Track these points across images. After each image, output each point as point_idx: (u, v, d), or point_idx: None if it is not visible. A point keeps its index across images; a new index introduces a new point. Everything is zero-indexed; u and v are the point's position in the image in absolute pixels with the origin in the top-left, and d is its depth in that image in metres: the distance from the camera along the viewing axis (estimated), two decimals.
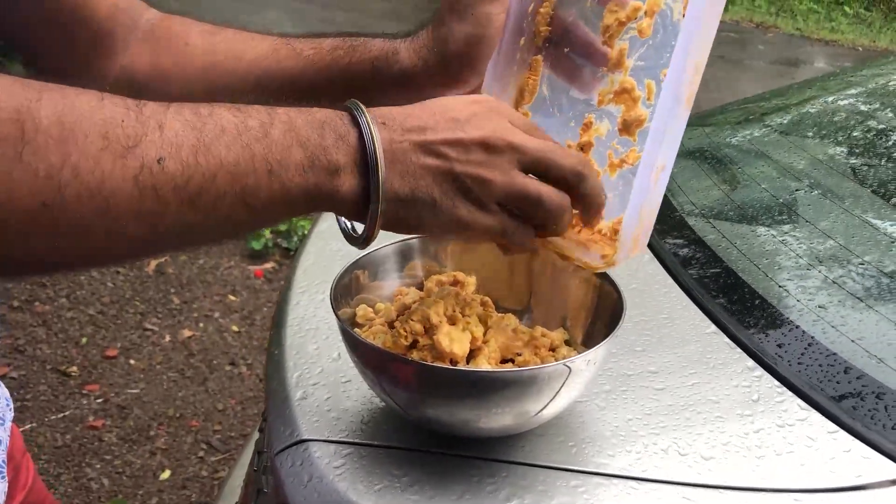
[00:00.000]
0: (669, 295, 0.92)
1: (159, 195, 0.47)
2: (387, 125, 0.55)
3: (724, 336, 0.83)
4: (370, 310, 0.74)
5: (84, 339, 2.51)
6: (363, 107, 0.55)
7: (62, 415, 2.24)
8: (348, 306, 0.73)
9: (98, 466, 2.10)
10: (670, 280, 0.94)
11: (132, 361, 2.46)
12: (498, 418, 0.63)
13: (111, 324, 2.61)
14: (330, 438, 0.69)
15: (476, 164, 0.56)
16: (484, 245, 0.77)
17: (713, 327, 0.85)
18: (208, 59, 0.74)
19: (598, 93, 0.67)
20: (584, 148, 0.68)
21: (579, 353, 0.71)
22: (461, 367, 0.64)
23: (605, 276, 0.71)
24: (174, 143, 0.48)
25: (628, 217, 0.60)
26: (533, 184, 0.57)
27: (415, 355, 0.64)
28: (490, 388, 0.61)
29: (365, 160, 0.53)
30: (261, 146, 0.50)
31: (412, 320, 0.65)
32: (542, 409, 0.64)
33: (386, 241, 0.77)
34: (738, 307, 0.87)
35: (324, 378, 0.77)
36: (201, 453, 2.18)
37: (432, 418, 0.66)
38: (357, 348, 0.66)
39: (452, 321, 0.66)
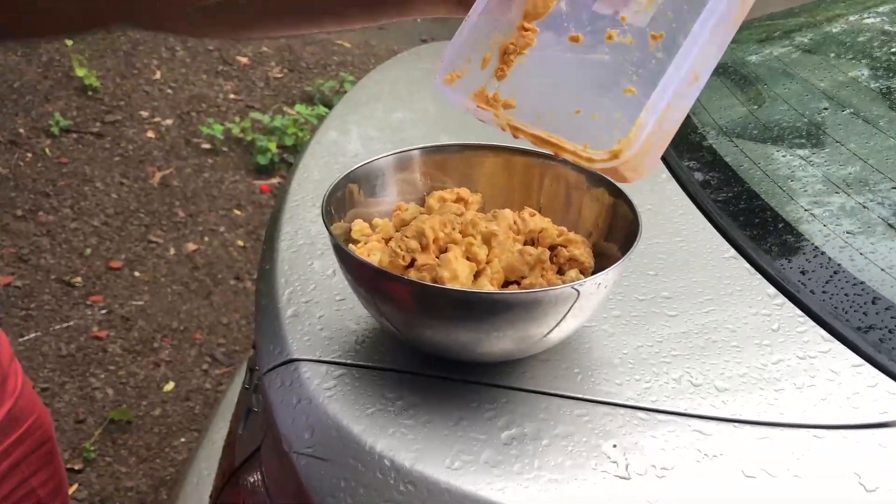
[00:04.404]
0: (686, 217, 0.86)
1: None
2: None
3: (744, 261, 0.78)
4: (366, 225, 0.69)
5: (88, 250, 2.49)
6: None
7: (66, 325, 2.23)
8: (343, 221, 0.69)
9: (102, 376, 2.10)
10: (688, 201, 0.89)
11: (136, 273, 2.44)
12: (499, 342, 0.59)
13: (115, 235, 2.58)
14: (321, 359, 0.65)
15: None
16: (491, 159, 0.72)
17: (732, 251, 0.80)
18: None
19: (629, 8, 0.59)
20: None
21: (589, 275, 0.66)
22: (461, 287, 0.59)
23: (620, 195, 0.66)
24: None
25: (653, 104, 0.51)
26: None
27: (412, 274, 0.60)
28: (491, 311, 0.56)
29: None
30: None
31: (407, 237, 0.60)
32: (546, 335, 0.59)
33: (384, 151, 0.72)
34: (760, 231, 0.82)
35: (317, 295, 0.73)
36: (205, 366, 2.18)
37: (429, 341, 0.62)
38: (350, 265, 0.61)
39: (452, 241, 0.61)
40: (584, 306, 0.59)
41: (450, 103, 0.60)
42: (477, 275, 0.62)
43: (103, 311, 2.29)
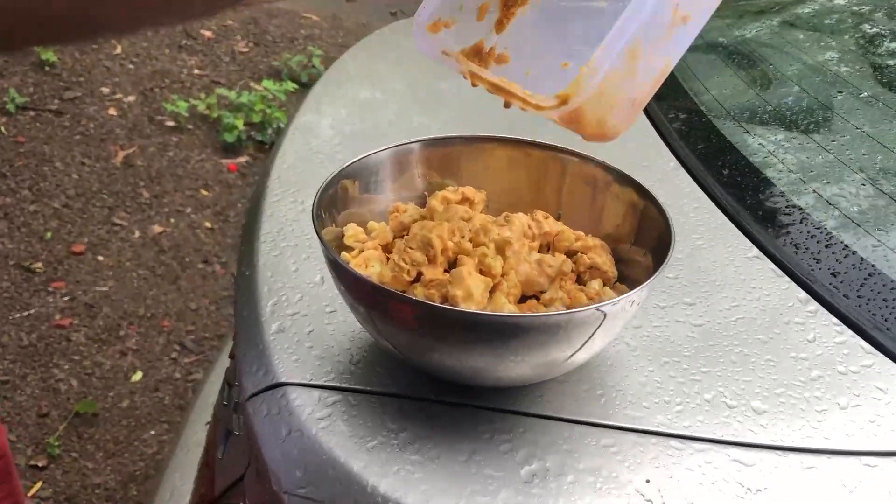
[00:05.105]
0: (701, 211, 0.80)
1: None
2: None
3: (769, 261, 0.72)
4: (360, 230, 0.61)
5: (49, 234, 2.39)
6: None
7: (27, 313, 2.14)
8: (334, 224, 0.61)
9: (66, 367, 2.02)
10: (702, 193, 0.82)
11: (100, 258, 2.35)
12: (516, 367, 0.52)
13: (77, 218, 2.48)
14: (313, 382, 0.58)
15: None
16: (500, 153, 0.65)
17: (755, 250, 0.73)
18: None
19: None
20: None
21: (614, 287, 0.59)
22: (477, 309, 0.52)
23: (649, 197, 0.59)
24: None
25: (608, 44, 0.45)
26: None
27: (419, 291, 0.52)
28: (512, 335, 0.49)
29: None
30: None
31: (411, 248, 0.53)
32: (569, 357, 0.52)
33: (381, 144, 0.64)
34: (782, 228, 0.76)
35: (305, 307, 0.65)
36: (174, 354, 2.11)
37: (437, 365, 0.55)
38: (347, 282, 0.53)
39: (462, 251, 0.54)
40: (613, 326, 0.52)
41: (420, 51, 0.54)
42: (491, 290, 0.54)
43: (66, 298, 2.19)
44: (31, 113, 2.88)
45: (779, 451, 0.55)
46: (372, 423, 0.55)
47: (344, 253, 0.59)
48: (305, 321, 0.63)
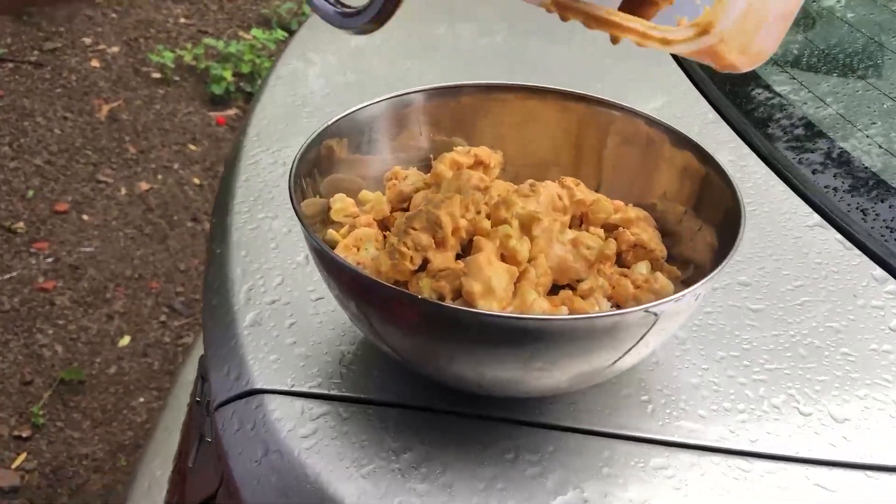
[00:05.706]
0: (751, 172, 0.68)
1: None
2: None
3: (834, 231, 0.61)
4: (351, 202, 0.50)
5: (30, 192, 2.29)
6: None
7: (8, 276, 2.06)
8: (317, 193, 0.50)
9: (50, 332, 1.94)
10: (747, 149, 0.71)
11: (85, 217, 2.26)
12: (546, 378, 0.41)
13: (60, 175, 2.39)
14: (295, 389, 0.47)
15: None
16: (521, 104, 0.53)
17: (816, 217, 0.63)
18: None
19: None
20: None
21: (661, 267, 0.49)
22: (500, 311, 0.41)
23: (712, 163, 0.48)
24: None
25: None
26: None
27: (425, 285, 0.41)
28: (542, 341, 0.38)
29: None
30: None
31: (414, 229, 0.42)
32: (613, 364, 0.42)
33: (376, 94, 0.52)
34: (848, 192, 0.65)
35: (285, 293, 0.54)
36: (163, 317, 2.03)
37: (448, 375, 0.44)
38: (336, 274, 0.42)
39: (477, 231, 0.43)
40: (670, 325, 0.42)
41: None
42: (516, 280, 0.43)
43: (49, 260, 2.11)
44: (10, 65, 2.77)
45: (868, 472, 0.44)
46: (368, 442, 0.44)
47: (331, 230, 0.48)
48: (286, 310, 0.53)
